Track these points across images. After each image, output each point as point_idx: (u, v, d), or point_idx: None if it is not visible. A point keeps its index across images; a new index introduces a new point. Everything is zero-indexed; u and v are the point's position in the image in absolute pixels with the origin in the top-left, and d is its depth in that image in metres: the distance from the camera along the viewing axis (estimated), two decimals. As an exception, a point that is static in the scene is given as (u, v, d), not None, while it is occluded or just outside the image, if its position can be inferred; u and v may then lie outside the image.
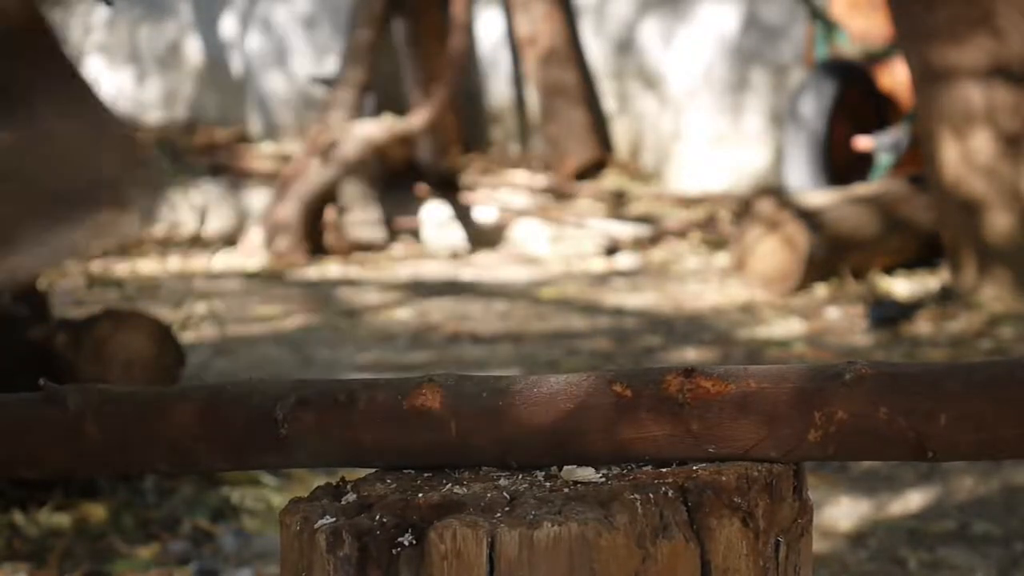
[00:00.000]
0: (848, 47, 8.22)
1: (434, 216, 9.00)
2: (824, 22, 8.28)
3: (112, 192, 1.41)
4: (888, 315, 6.40)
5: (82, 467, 1.65)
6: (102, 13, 11.03)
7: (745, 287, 7.06)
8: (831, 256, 6.95)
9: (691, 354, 5.90)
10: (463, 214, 9.05)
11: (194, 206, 8.91)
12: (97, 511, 4.00)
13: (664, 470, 1.49)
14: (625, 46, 9.69)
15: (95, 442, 1.60)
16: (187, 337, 5.24)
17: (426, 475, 1.53)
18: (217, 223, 9.09)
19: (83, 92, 1.43)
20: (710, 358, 5.82)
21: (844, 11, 8.29)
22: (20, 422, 1.61)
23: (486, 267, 8.29)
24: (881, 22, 7.92)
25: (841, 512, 4.15)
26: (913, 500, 4.26)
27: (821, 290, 6.92)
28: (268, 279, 7.92)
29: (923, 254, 7.26)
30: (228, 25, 10.74)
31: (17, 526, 3.91)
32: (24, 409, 1.61)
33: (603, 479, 1.48)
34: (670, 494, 1.43)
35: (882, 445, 1.46)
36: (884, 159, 7.93)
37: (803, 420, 1.46)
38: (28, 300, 4.02)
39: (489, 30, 10.04)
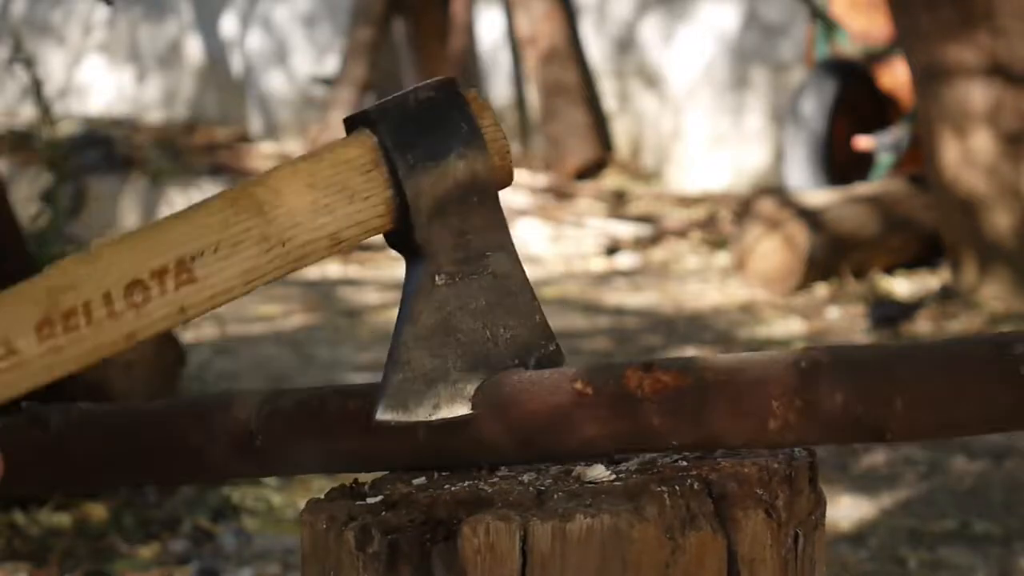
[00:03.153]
0: (848, 46, 8.22)
1: (434, 216, 9.00)
2: (824, 21, 8.28)
3: None
4: (889, 315, 6.40)
5: (66, 484, 1.70)
6: (102, 12, 11.02)
7: (745, 287, 7.06)
8: (831, 256, 6.95)
9: (691, 354, 5.90)
10: (463, 214, 9.04)
11: (194, 206, 8.92)
12: (98, 511, 4.01)
13: (685, 463, 1.50)
14: (625, 45, 9.69)
15: (77, 460, 1.64)
16: (187, 337, 5.24)
17: (444, 474, 1.54)
18: (217, 223, 9.09)
19: None
20: (710, 358, 5.82)
21: (844, 10, 8.29)
22: (5, 444, 1.64)
23: (486, 267, 8.29)
24: (881, 21, 7.92)
25: (841, 512, 4.15)
26: (913, 500, 4.26)
27: (821, 290, 6.92)
28: (268, 279, 7.92)
29: (923, 254, 7.26)
30: (228, 25, 10.74)
31: (18, 526, 3.91)
32: (7, 433, 1.64)
33: (613, 476, 1.49)
34: (696, 486, 1.44)
35: (840, 431, 1.47)
36: (884, 158, 7.93)
37: (762, 409, 1.47)
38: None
39: (489, 30, 10.05)
